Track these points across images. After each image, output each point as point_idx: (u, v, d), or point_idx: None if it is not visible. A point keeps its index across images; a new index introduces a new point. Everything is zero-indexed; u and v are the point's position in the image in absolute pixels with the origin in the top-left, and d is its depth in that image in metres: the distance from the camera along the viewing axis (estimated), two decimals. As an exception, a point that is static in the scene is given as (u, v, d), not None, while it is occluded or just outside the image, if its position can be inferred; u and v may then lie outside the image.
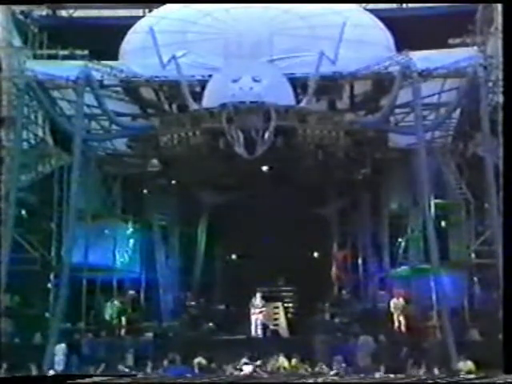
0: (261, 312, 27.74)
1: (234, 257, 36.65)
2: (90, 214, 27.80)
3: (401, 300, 26.87)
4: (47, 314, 26.32)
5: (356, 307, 30.49)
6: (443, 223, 28.03)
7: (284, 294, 33.46)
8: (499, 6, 24.51)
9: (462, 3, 27.03)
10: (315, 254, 35.45)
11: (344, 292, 32.54)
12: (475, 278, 26.81)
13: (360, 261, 32.41)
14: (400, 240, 29.58)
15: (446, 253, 27.01)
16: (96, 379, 20.73)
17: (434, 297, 25.46)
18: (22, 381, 20.81)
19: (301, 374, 22.22)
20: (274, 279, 33.79)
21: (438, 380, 20.32)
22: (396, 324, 26.63)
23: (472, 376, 20.44)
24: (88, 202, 27.97)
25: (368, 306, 30.56)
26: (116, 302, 28.61)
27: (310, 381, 20.61)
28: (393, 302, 27.02)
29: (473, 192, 26.80)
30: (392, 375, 21.65)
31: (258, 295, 28.24)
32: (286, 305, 32.18)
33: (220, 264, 36.01)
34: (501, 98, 24.13)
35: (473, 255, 25.92)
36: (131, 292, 30.33)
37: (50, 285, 26.79)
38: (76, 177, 25.46)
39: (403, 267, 29.04)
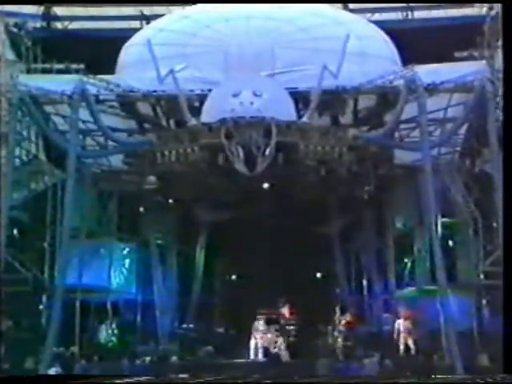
0: (262, 337, 27.56)
1: (233, 277, 36.62)
2: (84, 233, 27.72)
3: (407, 321, 26.61)
4: (39, 337, 26.05)
5: (360, 330, 30.22)
6: (450, 243, 27.93)
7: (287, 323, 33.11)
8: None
9: (461, 3, 26.93)
10: (318, 275, 35.27)
11: (348, 314, 32.22)
12: (484, 300, 26.60)
13: (364, 281, 32.30)
14: (405, 260, 29.52)
15: (454, 273, 26.90)
16: (96, 380, 20.86)
17: (441, 319, 25.22)
18: (22, 381, 20.82)
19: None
20: (275, 300, 33.54)
21: (439, 380, 20.47)
22: (402, 347, 26.38)
23: (472, 376, 20.39)
24: (82, 221, 27.90)
25: (373, 328, 30.36)
26: (111, 325, 28.32)
27: (310, 381, 20.63)
28: (399, 322, 26.76)
29: (481, 210, 26.68)
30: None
31: (262, 319, 28.07)
32: (287, 327, 31.85)
33: (219, 284, 36.05)
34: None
35: (481, 276, 25.74)
36: (127, 314, 30.11)
37: (42, 306, 26.63)
38: (70, 194, 25.29)
39: (409, 288, 28.92)
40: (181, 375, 23.03)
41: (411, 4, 29.74)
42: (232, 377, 22.25)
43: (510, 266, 19.51)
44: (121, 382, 21.01)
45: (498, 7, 25.12)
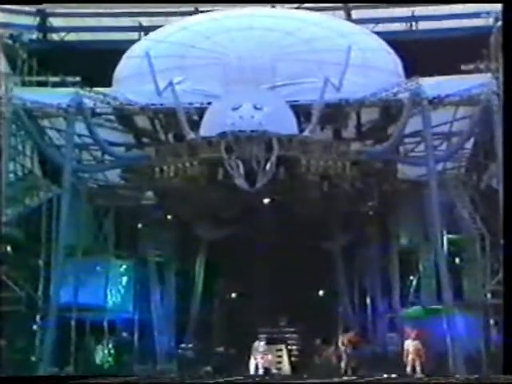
0: (262, 357, 27.28)
1: (233, 295, 36.37)
2: (80, 250, 27.57)
3: (416, 341, 26.20)
4: (33, 358, 25.77)
5: (364, 350, 29.90)
6: (457, 260, 27.68)
7: (287, 335, 32.95)
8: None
9: (461, 3, 26.82)
10: (320, 293, 35.04)
11: (351, 333, 31.92)
12: (492, 320, 26.27)
13: (368, 300, 32.03)
14: (411, 278, 29.24)
15: (460, 292, 26.64)
16: (96, 380, 20.92)
17: (447, 340, 24.86)
18: (22, 381, 20.86)
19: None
20: (277, 319, 33.31)
21: (439, 380, 20.43)
22: (409, 368, 25.96)
23: (472, 376, 20.35)
24: (78, 237, 27.74)
25: (377, 348, 30.05)
26: (107, 344, 28.07)
27: (311, 381, 20.69)
28: (407, 343, 26.32)
29: (488, 226, 26.38)
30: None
31: (263, 340, 27.81)
32: (289, 347, 31.66)
33: (219, 303, 35.71)
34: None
35: (489, 295, 25.43)
36: (124, 333, 29.86)
37: (35, 326, 26.30)
38: (65, 210, 25.17)
39: (414, 307, 28.64)
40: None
41: (416, 14, 29.67)
42: (232, 378, 22.32)
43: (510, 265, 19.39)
44: (121, 382, 21.13)
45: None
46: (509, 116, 21.40)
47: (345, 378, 21.99)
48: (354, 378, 21.78)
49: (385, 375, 22.24)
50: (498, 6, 24.19)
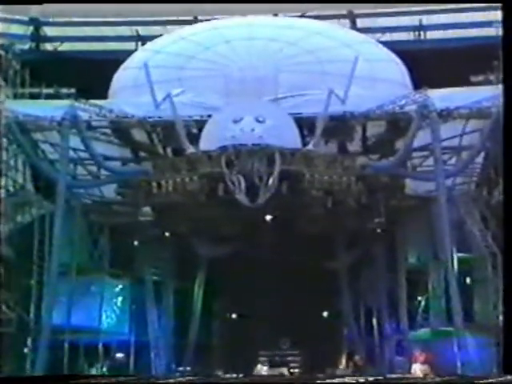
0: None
1: (234, 316, 36.40)
2: (73, 269, 27.52)
3: (425, 365, 26.14)
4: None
5: (371, 373, 29.80)
6: (467, 280, 27.58)
7: (289, 358, 32.88)
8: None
9: (461, 3, 26.83)
10: (324, 314, 34.98)
11: (357, 357, 31.91)
12: (504, 343, 26.22)
13: (374, 321, 31.97)
14: (419, 298, 29.19)
15: (471, 314, 26.57)
16: (99, 379, 21.32)
17: (458, 364, 24.84)
18: (22, 381, 21.08)
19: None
20: (279, 341, 33.24)
21: (438, 380, 20.74)
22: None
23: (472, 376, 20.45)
24: (72, 256, 27.70)
25: (384, 372, 29.90)
26: (102, 368, 28.01)
27: (311, 381, 20.98)
28: (414, 368, 26.27)
29: (499, 244, 26.33)
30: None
31: (265, 364, 27.73)
32: (291, 370, 31.61)
33: (218, 324, 35.76)
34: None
35: (501, 317, 25.30)
36: (119, 356, 29.75)
37: (26, 349, 26.18)
38: (59, 227, 25.11)
39: (423, 329, 28.58)
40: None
41: (424, 23, 29.77)
42: (232, 378, 22.56)
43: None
44: (121, 381, 21.40)
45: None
46: (509, 124, 21.39)
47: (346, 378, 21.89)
48: (355, 377, 21.89)
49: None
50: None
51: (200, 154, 25.46)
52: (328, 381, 21.40)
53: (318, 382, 21.21)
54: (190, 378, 22.38)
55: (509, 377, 18.85)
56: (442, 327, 26.96)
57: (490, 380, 19.50)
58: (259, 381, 21.88)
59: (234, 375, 22.97)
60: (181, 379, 21.96)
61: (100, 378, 22.15)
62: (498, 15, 26.41)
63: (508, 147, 20.43)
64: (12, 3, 26.96)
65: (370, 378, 21.42)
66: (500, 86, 25.33)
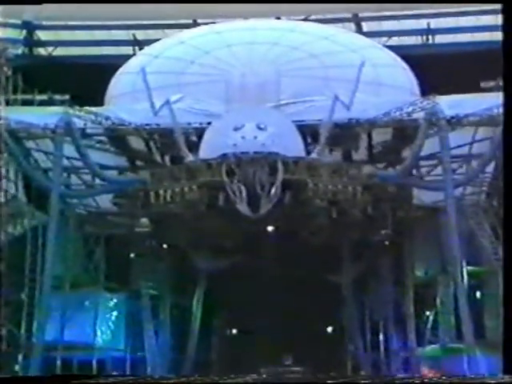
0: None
1: (234, 331, 36.28)
2: (67, 282, 27.52)
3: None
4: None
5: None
6: (478, 294, 27.50)
7: (292, 375, 32.70)
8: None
9: (462, 3, 26.86)
10: (328, 329, 34.94)
11: (362, 373, 31.80)
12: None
13: (381, 337, 31.86)
14: (427, 313, 29.12)
15: (482, 330, 26.47)
16: (96, 380, 21.44)
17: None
18: (22, 381, 21.28)
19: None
20: (281, 358, 33.14)
21: (439, 380, 20.69)
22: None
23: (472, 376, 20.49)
24: (65, 269, 27.70)
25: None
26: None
27: (311, 381, 21.38)
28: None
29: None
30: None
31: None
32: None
33: (218, 340, 35.62)
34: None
35: (513, 333, 25.27)
36: (114, 373, 29.56)
37: (17, 366, 26.04)
38: (52, 239, 25.02)
39: (432, 346, 28.47)
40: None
41: (432, 26, 29.79)
42: (232, 378, 22.68)
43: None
44: (121, 382, 21.62)
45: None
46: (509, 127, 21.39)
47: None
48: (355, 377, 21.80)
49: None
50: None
51: (199, 163, 25.46)
52: (329, 381, 21.42)
53: (319, 381, 21.49)
54: (190, 378, 22.48)
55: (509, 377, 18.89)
56: (451, 344, 26.80)
57: (491, 380, 19.59)
58: (259, 381, 21.89)
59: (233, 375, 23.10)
60: (181, 379, 22.13)
61: (100, 378, 22.31)
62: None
63: (508, 151, 20.50)
64: (12, 3, 27.00)
65: (372, 378, 21.37)
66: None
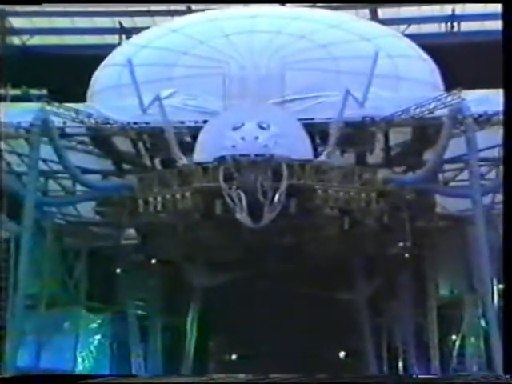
0: None
1: (233, 357, 36.16)
2: (43, 301, 27.39)
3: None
4: None
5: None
6: (510, 316, 27.23)
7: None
8: None
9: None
10: (341, 354, 34.94)
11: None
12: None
13: (400, 364, 31.85)
14: (453, 338, 29.09)
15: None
16: (106, 379, 22.22)
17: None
18: (22, 381, 21.91)
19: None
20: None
21: (439, 380, 21.56)
22: None
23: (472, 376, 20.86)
24: (42, 286, 27.59)
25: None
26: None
27: (311, 381, 21.64)
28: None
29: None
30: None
31: None
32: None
33: (215, 366, 35.45)
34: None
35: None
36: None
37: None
38: (26, 252, 24.66)
39: (458, 374, 27.94)
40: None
41: (457, 13, 29.75)
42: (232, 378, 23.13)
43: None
44: (121, 382, 22.41)
45: None
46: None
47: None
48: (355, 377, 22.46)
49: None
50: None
51: (194, 166, 25.43)
52: (329, 381, 21.88)
53: (319, 382, 21.92)
54: (190, 378, 23.19)
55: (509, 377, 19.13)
56: (481, 373, 26.48)
57: (491, 380, 20.29)
58: (259, 381, 22.29)
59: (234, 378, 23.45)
60: (181, 379, 22.76)
61: (100, 378, 22.85)
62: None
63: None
64: (11, 3, 27.12)
65: (371, 377, 21.71)
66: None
